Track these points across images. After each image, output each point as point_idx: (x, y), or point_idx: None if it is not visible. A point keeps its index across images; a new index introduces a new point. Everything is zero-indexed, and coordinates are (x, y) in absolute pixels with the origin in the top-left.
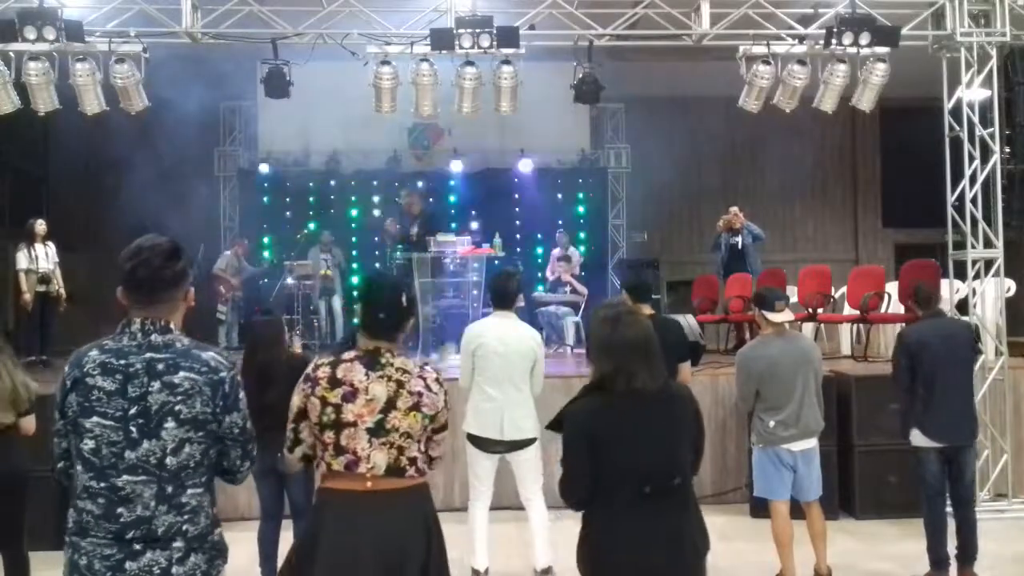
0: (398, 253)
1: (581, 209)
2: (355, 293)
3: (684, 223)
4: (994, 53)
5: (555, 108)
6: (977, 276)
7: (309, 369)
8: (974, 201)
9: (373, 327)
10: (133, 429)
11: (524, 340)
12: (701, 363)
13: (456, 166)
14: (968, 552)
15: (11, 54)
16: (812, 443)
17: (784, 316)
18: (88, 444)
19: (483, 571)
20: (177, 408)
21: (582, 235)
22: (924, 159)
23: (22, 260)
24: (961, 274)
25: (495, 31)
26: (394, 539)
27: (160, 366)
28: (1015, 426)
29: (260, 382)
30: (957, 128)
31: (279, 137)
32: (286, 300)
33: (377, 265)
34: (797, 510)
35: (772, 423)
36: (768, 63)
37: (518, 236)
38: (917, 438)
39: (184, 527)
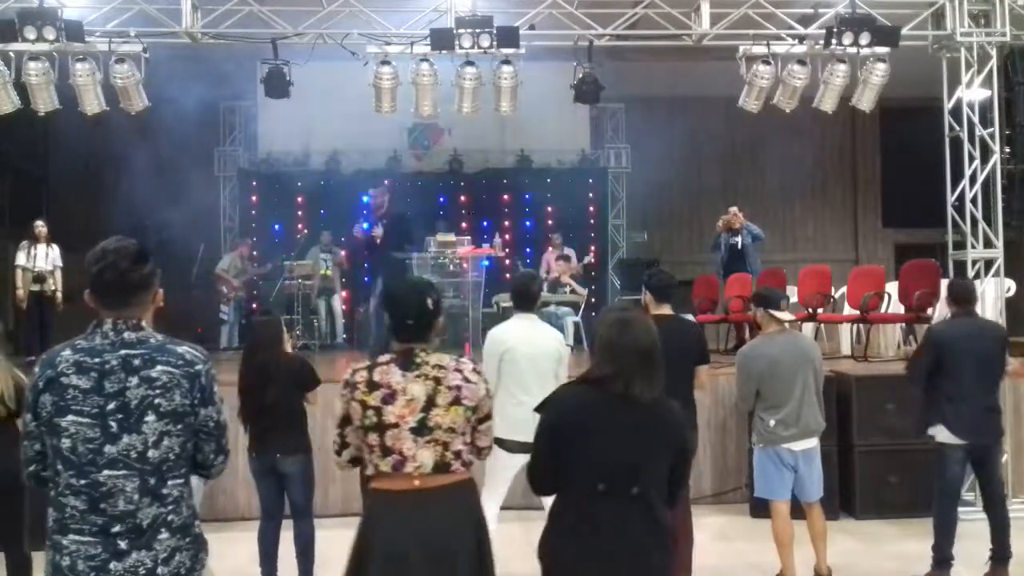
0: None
1: (581, 209)
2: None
3: (684, 223)
4: (994, 53)
5: (555, 108)
6: (977, 276)
7: (347, 375)
8: (974, 201)
9: (403, 332)
10: (113, 424)
11: (549, 341)
12: None
13: (456, 166)
14: (1003, 553)
15: (11, 54)
16: (813, 443)
17: (786, 316)
18: (65, 443)
19: None
20: (157, 402)
21: (571, 235)
22: (924, 159)
23: (20, 257)
24: (961, 274)
25: (495, 31)
26: (444, 535)
27: (136, 361)
28: (1015, 426)
29: (260, 382)
30: (957, 128)
31: (279, 137)
32: (286, 300)
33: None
34: (797, 510)
35: (772, 422)
36: (768, 63)
37: (518, 236)
38: (942, 434)
39: (169, 517)
